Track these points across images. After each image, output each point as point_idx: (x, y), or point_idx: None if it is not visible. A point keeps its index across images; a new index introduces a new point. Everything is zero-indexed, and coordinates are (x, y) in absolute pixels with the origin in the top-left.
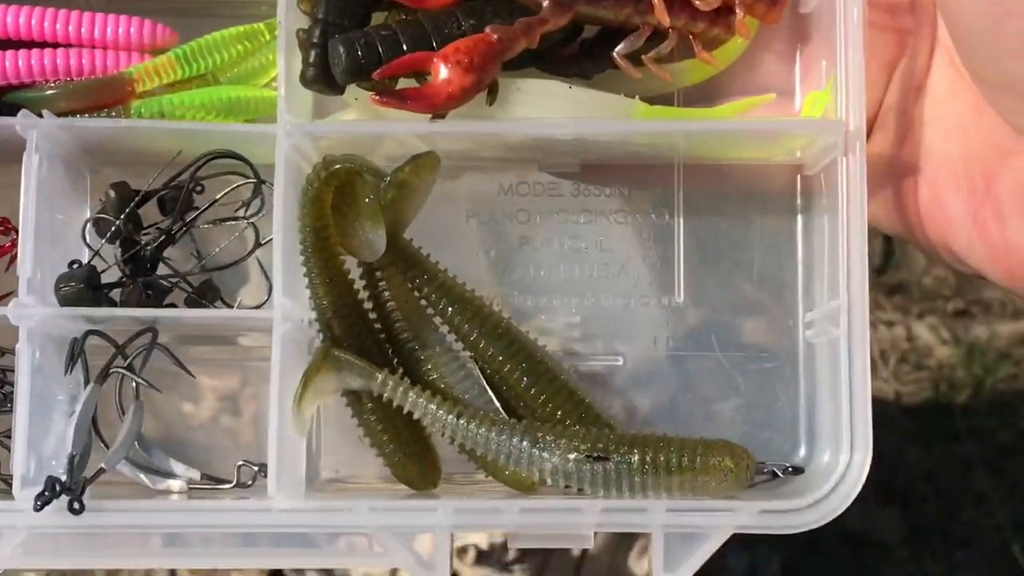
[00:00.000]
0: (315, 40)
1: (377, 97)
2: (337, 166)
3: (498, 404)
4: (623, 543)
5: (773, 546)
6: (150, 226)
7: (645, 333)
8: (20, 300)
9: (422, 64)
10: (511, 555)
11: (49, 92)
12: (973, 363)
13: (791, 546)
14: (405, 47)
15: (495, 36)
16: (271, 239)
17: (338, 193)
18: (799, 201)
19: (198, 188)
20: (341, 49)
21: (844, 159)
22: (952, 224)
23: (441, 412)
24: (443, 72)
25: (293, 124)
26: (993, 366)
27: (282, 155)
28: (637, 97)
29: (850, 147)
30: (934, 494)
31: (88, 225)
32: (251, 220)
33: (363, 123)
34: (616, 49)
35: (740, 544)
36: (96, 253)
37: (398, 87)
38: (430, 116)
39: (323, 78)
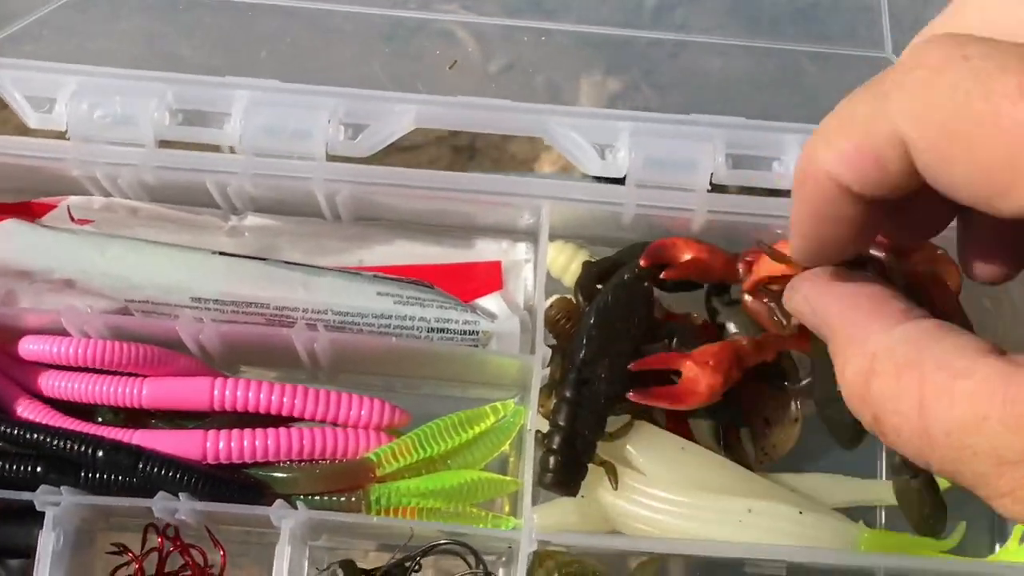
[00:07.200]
0: (554, 447)
1: (633, 394)
2: None
3: None
4: None
5: None
6: None
7: None
8: None
9: (674, 364)
10: None
11: (293, 475)
12: None
13: None
14: None
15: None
16: None
17: None
18: None
19: (417, 568)
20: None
21: None
22: None
23: None
24: (693, 374)
25: (537, 535)
26: None
27: (523, 564)
28: (861, 522)
29: None
30: None
31: None
32: None
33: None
34: None
35: None
36: None
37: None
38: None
39: (563, 483)
